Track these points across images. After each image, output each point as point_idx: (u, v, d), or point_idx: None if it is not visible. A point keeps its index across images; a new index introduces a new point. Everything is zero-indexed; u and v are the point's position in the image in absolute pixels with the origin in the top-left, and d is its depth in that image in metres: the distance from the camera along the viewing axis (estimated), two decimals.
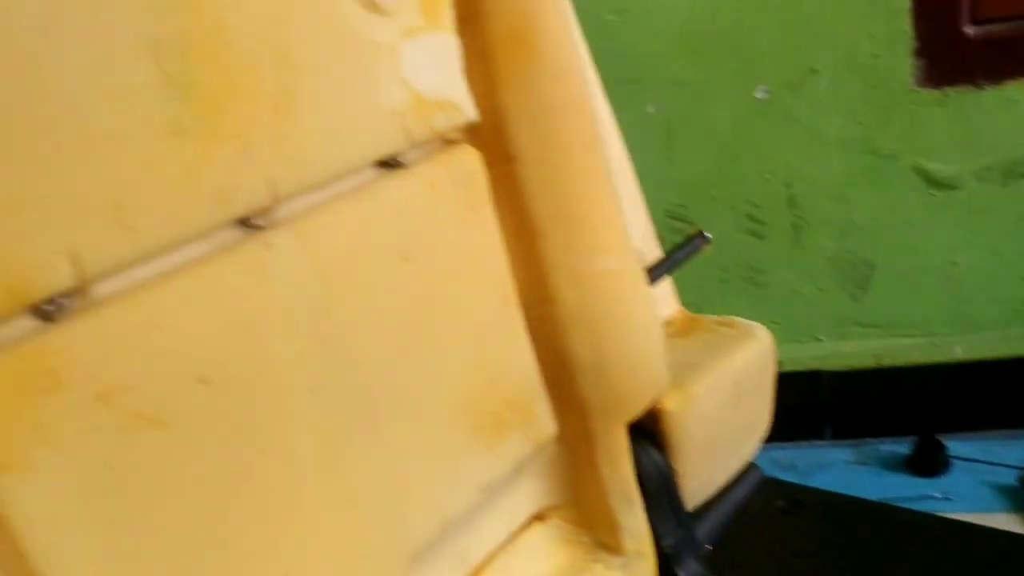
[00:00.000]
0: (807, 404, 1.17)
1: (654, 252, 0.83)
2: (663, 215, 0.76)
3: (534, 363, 0.65)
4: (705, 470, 0.79)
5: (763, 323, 0.85)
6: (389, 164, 0.57)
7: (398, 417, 0.55)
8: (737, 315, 0.88)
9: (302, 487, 0.49)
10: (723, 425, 0.79)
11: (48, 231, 0.38)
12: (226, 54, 0.45)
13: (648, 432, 0.74)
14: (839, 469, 1.17)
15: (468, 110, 0.60)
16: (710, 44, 0.96)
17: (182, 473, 0.43)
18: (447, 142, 0.61)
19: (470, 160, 0.61)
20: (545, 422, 0.66)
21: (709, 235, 0.82)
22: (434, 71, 0.58)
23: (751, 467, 0.87)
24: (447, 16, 0.59)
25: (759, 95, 1.00)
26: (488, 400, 0.61)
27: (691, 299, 0.91)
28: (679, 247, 0.80)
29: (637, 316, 0.68)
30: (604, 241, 0.66)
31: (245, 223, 0.48)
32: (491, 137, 0.62)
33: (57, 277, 0.39)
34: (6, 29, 0.37)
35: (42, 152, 0.38)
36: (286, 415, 0.48)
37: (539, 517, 0.70)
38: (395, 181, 0.56)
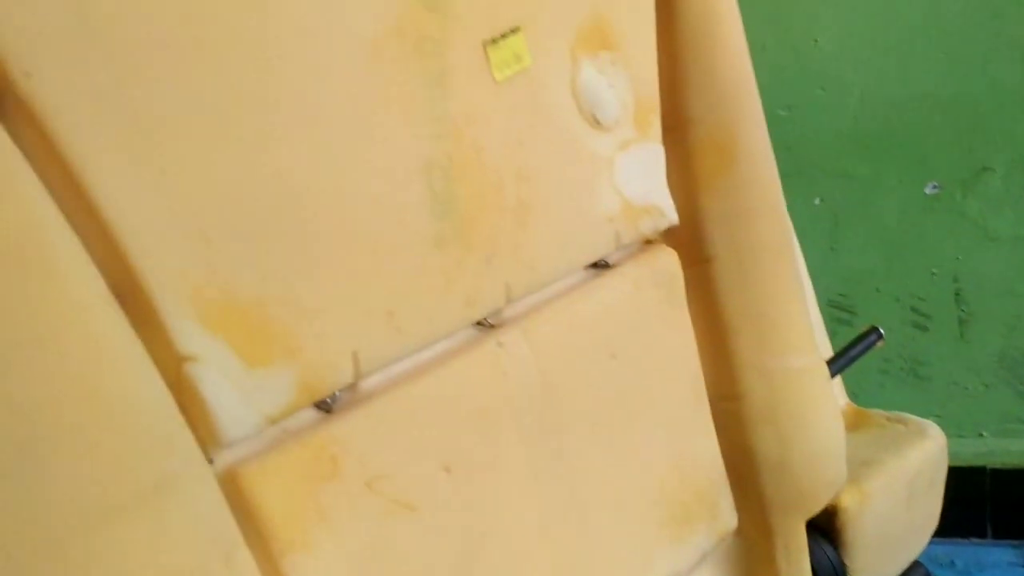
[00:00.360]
0: (968, 500, 1.14)
1: (824, 344, 0.85)
2: (826, 304, 0.78)
3: (720, 457, 0.67)
4: (876, 567, 0.79)
5: (924, 416, 0.84)
6: (598, 265, 0.61)
7: (601, 505, 0.58)
8: (897, 407, 0.88)
9: (522, 564, 0.52)
10: (896, 523, 0.79)
11: (338, 335, 0.43)
12: (479, 173, 0.50)
13: (822, 527, 0.75)
14: (1000, 570, 1.13)
15: (671, 214, 0.63)
16: (880, 140, 0.97)
17: (426, 552, 0.47)
18: (647, 242, 0.64)
19: (669, 260, 0.64)
20: (729, 515, 0.67)
21: (882, 331, 0.83)
22: (643, 179, 0.62)
23: (916, 564, 0.87)
24: (656, 127, 0.63)
25: (928, 191, 1.01)
26: (679, 492, 0.63)
27: (850, 388, 0.91)
28: (854, 343, 0.81)
29: (822, 415, 0.70)
30: (792, 340, 0.68)
31: (481, 323, 0.52)
32: (688, 238, 0.66)
33: (341, 375, 0.44)
34: (314, 163, 0.42)
35: (333, 264, 0.43)
36: (510, 499, 0.52)
37: None
38: (604, 281, 0.60)
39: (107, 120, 0.35)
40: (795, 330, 0.68)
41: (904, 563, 0.84)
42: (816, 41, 0.96)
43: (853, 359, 0.81)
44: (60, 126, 0.34)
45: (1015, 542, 1.17)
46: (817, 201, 1.00)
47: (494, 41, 0.51)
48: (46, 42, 0.34)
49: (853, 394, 0.90)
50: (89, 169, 0.35)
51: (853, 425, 0.86)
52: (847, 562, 0.76)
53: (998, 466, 1.12)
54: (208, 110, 0.38)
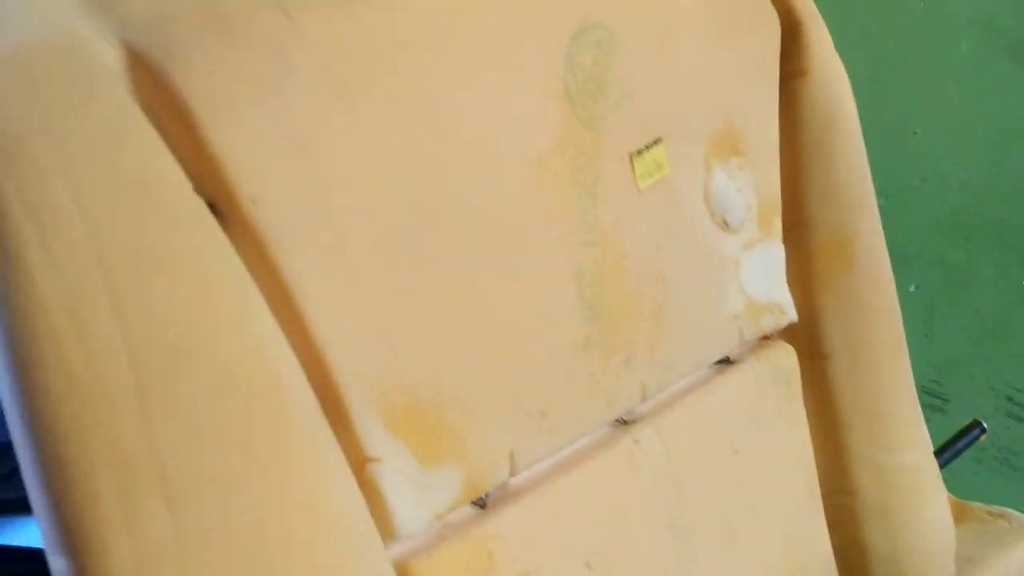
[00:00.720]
0: None
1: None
2: (920, 391, 0.78)
3: (831, 552, 0.68)
4: None
5: (1018, 507, 0.84)
6: (720, 361, 0.62)
7: None
8: (991, 497, 0.87)
9: None
10: None
11: (498, 434, 0.45)
12: (622, 278, 0.52)
13: None
14: None
15: (791, 312, 0.65)
16: (978, 231, 0.98)
17: None
18: (765, 338, 0.66)
19: (787, 357, 0.65)
20: None
21: (985, 426, 0.83)
22: (765, 277, 0.63)
23: None
24: (777, 226, 0.65)
25: None
26: None
27: (943, 476, 0.91)
28: (957, 437, 0.81)
29: (932, 511, 0.70)
30: (904, 436, 0.69)
31: (618, 421, 0.54)
32: (805, 334, 0.67)
33: (499, 473, 0.46)
34: (484, 271, 0.45)
35: (496, 367, 0.46)
36: None
37: None
38: (727, 377, 0.61)
39: (314, 240, 0.38)
40: (907, 426, 0.69)
41: None
42: (916, 132, 0.98)
43: (957, 453, 0.81)
44: (277, 245, 0.37)
45: None
46: (912, 288, 1.01)
47: (639, 152, 0.53)
48: (270, 173, 0.37)
49: (945, 482, 0.90)
50: (299, 285, 0.38)
51: (955, 519, 0.86)
52: None
53: None
54: (398, 226, 0.41)
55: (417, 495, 0.42)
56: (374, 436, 0.40)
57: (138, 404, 0.29)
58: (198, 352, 0.31)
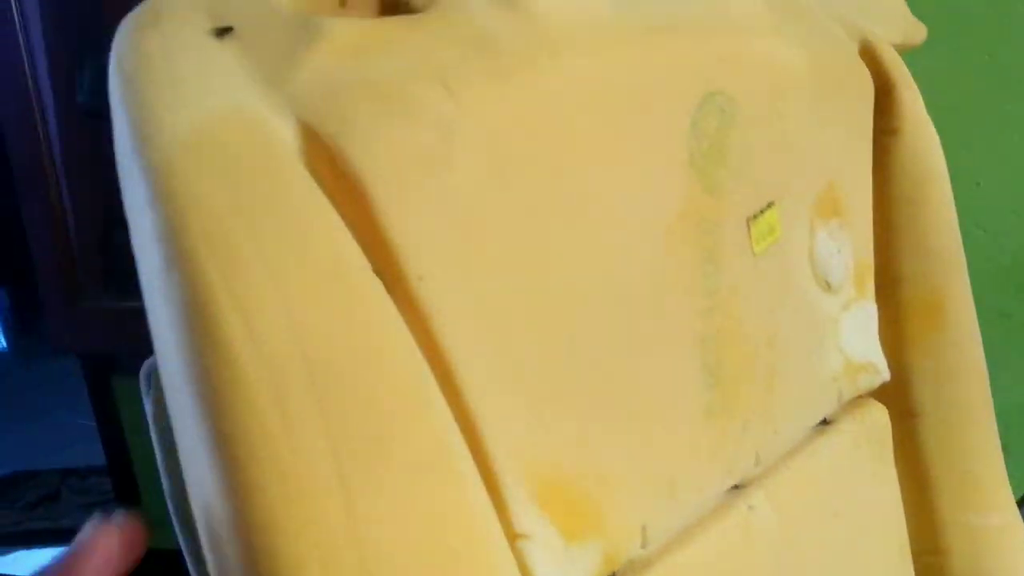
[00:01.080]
0: None
1: None
2: None
3: None
4: None
5: None
6: (819, 422, 0.62)
7: None
8: None
9: None
10: None
11: (632, 506, 0.45)
12: (740, 343, 0.52)
13: None
14: None
15: (884, 371, 0.65)
16: None
17: None
18: (858, 398, 0.66)
19: (880, 416, 0.65)
20: None
21: None
22: (861, 337, 0.63)
23: None
24: (871, 286, 0.65)
25: None
26: None
27: None
28: None
29: (1021, 572, 0.69)
30: (994, 498, 0.68)
31: (733, 487, 0.54)
32: (895, 394, 0.67)
33: (633, 546, 0.45)
34: (617, 341, 0.45)
35: (630, 437, 0.45)
36: None
37: None
38: (827, 439, 0.61)
39: (473, 317, 0.38)
40: (996, 487, 0.69)
41: None
42: (978, 184, 0.98)
43: None
44: (440, 323, 0.37)
45: None
46: None
47: (755, 216, 0.53)
48: (436, 251, 0.37)
49: None
50: (459, 362, 0.37)
51: None
52: None
53: None
54: (546, 302, 0.41)
55: (561, 571, 0.41)
56: (523, 512, 0.40)
57: (343, 497, 0.29)
58: (397, 439, 0.31)
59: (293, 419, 0.29)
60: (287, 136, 0.34)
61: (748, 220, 0.53)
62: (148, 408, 0.44)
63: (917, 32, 0.72)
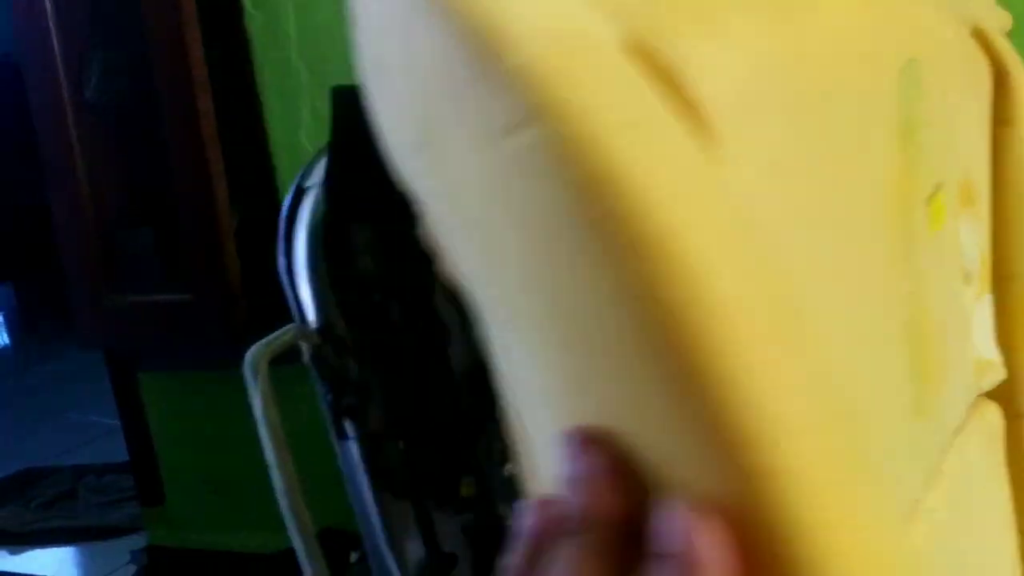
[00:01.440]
0: None
1: None
2: None
3: None
4: None
5: None
6: None
7: None
8: None
9: None
10: None
11: None
12: (934, 333, 0.48)
13: None
14: None
15: (1001, 370, 0.62)
16: None
17: None
18: (978, 397, 0.63)
19: (995, 416, 0.63)
20: None
21: None
22: (984, 333, 0.61)
23: None
24: (988, 281, 0.62)
25: None
26: None
27: None
28: None
29: None
30: None
31: None
32: (1005, 394, 0.65)
33: None
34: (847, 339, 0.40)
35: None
36: None
37: None
38: (962, 440, 0.58)
39: None
40: None
41: None
42: None
43: None
44: None
45: None
46: None
47: (929, 198, 0.50)
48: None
49: None
50: None
51: None
52: None
53: None
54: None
55: None
56: None
57: None
58: None
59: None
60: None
61: (927, 200, 0.49)
62: (256, 402, 0.37)
63: (1006, 20, 0.71)
